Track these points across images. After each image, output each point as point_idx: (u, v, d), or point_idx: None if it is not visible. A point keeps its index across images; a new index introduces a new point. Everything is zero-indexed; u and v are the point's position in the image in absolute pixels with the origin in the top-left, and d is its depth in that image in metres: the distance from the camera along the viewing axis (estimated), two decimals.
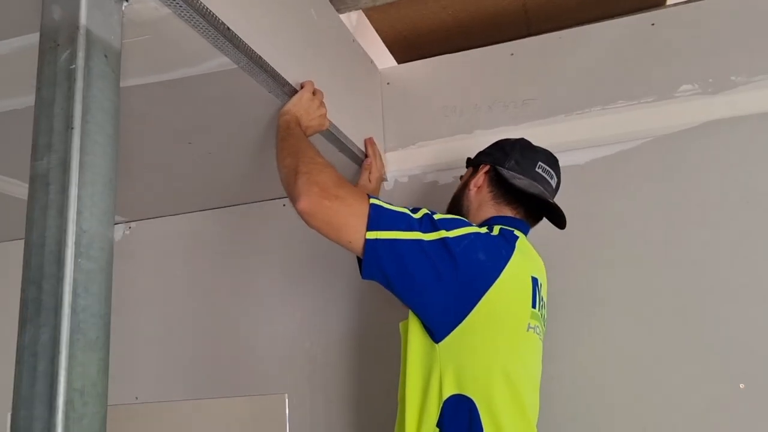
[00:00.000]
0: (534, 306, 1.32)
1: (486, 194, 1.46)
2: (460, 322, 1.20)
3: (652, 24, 1.83)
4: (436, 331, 1.22)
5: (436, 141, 1.96)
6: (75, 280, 0.82)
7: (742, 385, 1.57)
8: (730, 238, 1.66)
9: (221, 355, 2.03)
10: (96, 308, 0.84)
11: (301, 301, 1.99)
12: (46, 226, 0.84)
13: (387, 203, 1.23)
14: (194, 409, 2.02)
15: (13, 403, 0.79)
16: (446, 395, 1.21)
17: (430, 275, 1.18)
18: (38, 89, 0.91)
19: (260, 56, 1.22)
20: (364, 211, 1.19)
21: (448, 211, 1.49)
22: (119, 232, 2.23)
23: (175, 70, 1.23)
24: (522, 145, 1.50)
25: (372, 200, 1.21)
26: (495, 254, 1.25)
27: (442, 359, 1.21)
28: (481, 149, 1.57)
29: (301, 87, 1.42)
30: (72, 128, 0.87)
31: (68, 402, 0.78)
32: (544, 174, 1.45)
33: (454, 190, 1.87)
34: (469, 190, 1.49)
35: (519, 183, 1.41)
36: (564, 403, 1.67)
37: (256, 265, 2.06)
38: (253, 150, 1.67)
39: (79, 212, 0.84)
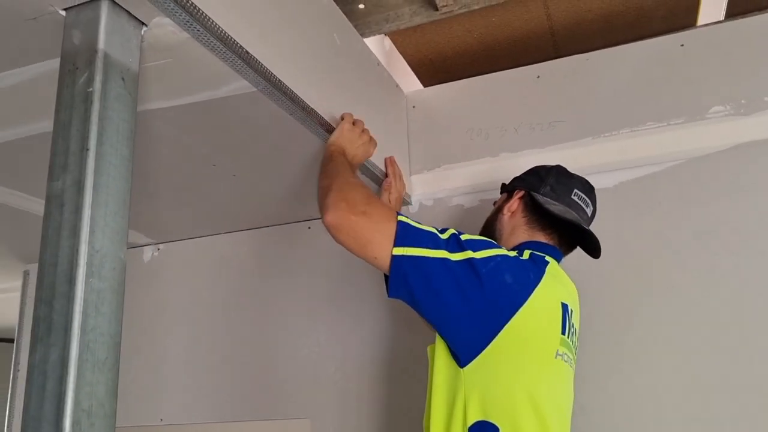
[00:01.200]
0: (564, 332, 1.27)
1: (519, 219, 1.43)
2: (485, 346, 1.17)
3: (682, 45, 1.79)
4: (462, 355, 1.19)
5: (462, 164, 1.94)
6: (85, 300, 0.82)
7: None
8: (766, 262, 1.59)
9: (246, 378, 2.02)
10: (106, 328, 0.84)
11: (325, 325, 1.98)
12: (60, 246, 0.85)
13: (415, 221, 1.22)
14: (216, 431, 2.02)
15: (22, 422, 0.79)
16: (471, 421, 1.17)
17: (456, 295, 1.16)
18: (57, 111, 0.93)
19: (279, 79, 1.23)
20: (391, 228, 1.18)
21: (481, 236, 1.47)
22: (148, 253, 2.26)
23: (197, 94, 1.25)
24: (558, 171, 1.47)
25: (400, 218, 1.20)
26: (523, 277, 1.22)
27: (467, 384, 1.18)
28: (510, 173, 1.55)
29: (341, 119, 1.46)
30: (87, 149, 0.88)
31: (75, 423, 0.78)
32: (579, 201, 1.42)
33: (479, 213, 1.86)
34: (503, 215, 1.47)
35: (553, 209, 1.38)
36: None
37: (281, 287, 2.06)
38: (276, 172, 1.68)
39: (91, 232, 0.85)
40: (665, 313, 1.64)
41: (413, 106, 2.04)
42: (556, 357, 1.25)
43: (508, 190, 1.52)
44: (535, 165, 1.55)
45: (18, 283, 2.45)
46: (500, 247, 1.27)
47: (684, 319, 1.63)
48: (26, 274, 2.40)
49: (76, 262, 0.83)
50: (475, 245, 1.22)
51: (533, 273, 1.25)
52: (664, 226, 1.70)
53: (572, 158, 1.80)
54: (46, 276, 0.84)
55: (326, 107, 1.43)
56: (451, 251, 1.18)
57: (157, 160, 1.54)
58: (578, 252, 1.69)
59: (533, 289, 1.21)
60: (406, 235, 1.18)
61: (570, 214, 1.38)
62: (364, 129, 1.49)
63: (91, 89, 0.91)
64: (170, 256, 2.23)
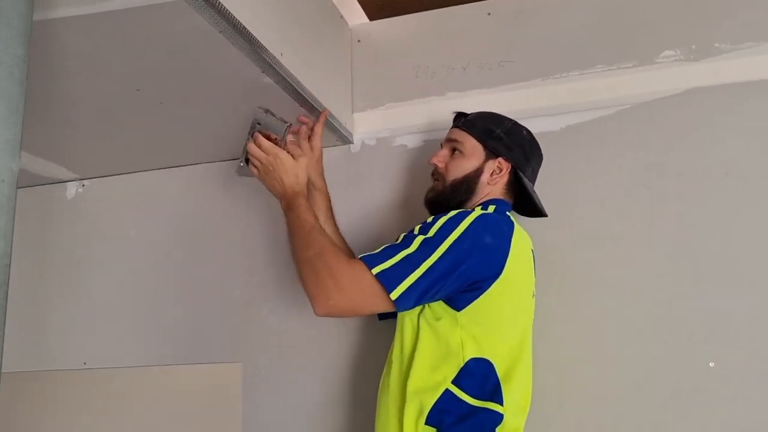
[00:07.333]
0: (534, 274, 1.44)
1: (501, 187, 1.47)
2: (482, 293, 1.27)
3: None
4: (458, 302, 1.28)
5: (407, 103, 1.86)
6: None
7: (711, 364, 1.52)
8: (708, 211, 1.59)
9: (175, 320, 1.94)
10: None
11: (258, 267, 1.90)
12: None
13: (386, 259, 1.22)
14: (144, 376, 1.94)
15: None
16: (467, 358, 1.27)
17: (453, 277, 1.23)
18: None
19: None
20: (371, 282, 1.21)
21: (453, 186, 1.46)
22: (72, 190, 2.12)
23: (111, 1, 1.12)
24: (539, 154, 1.51)
25: (374, 270, 1.21)
26: (499, 233, 1.31)
27: (463, 324, 1.27)
28: (479, 114, 1.51)
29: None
30: None
31: None
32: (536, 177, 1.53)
33: (423, 153, 1.80)
34: (484, 175, 1.46)
35: (531, 192, 1.47)
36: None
37: (213, 227, 1.96)
38: (207, 102, 1.57)
39: None
40: (606, 257, 1.63)
41: (358, 41, 1.94)
42: (533, 297, 1.42)
43: (489, 149, 1.46)
44: (498, 114, 1.51)
45: None
46: (465, 215, 1.29)
47: (624, 264, 1.62)
48: None
49: None
50: (445, 231, 1.25)
51: (506, 225, 1.35)
52: (610, 172, 1.67)
53: (520, 99, 1.76)
54: None
55: (261, 27, 1.31)
56: (428, 255, 1.22)
57: (73, 80, 1.40)
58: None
59: (511, 239, 1.32)
60: (392, 277, 1.20)
61: (536, 197, 1.48)
62: (280, 144, 1.49)
63: None
64: (96, 192, 2.10)
